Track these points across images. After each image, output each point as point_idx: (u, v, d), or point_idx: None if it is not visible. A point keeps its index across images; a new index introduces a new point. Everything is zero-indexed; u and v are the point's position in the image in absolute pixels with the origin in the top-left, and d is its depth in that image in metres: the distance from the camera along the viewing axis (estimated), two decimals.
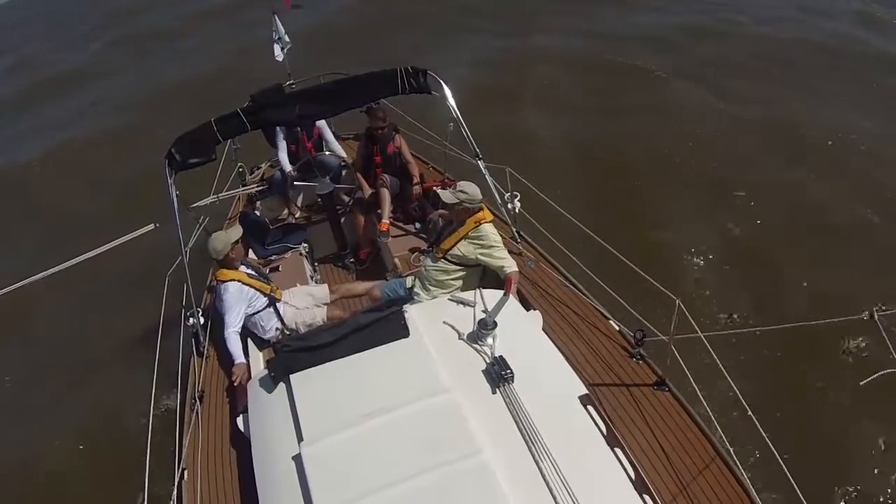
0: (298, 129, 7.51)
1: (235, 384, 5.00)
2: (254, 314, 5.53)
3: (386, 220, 6.79)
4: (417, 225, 7.07)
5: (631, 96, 12.84)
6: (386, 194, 6.87)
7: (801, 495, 3.34)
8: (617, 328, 4.88)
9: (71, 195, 12.65)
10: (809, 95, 12.38)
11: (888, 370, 3.11)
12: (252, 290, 5.48)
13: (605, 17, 17.39)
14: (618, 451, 3.60)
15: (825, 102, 12.06)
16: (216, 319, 5.63)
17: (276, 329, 5.64)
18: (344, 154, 7.80)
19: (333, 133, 7.93)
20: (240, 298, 5.37)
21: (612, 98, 12.79)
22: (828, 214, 8.81)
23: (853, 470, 5.78)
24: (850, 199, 9.16)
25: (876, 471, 5.78)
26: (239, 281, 5.42)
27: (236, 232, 5.65)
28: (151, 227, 5.64)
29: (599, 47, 15.22)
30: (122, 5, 26.21)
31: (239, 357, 5.20)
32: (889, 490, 5.65)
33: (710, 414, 4.07)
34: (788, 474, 3.47)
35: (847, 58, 13.93)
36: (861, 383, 3.23)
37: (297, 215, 7.70)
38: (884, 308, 3.18)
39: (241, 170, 8.16)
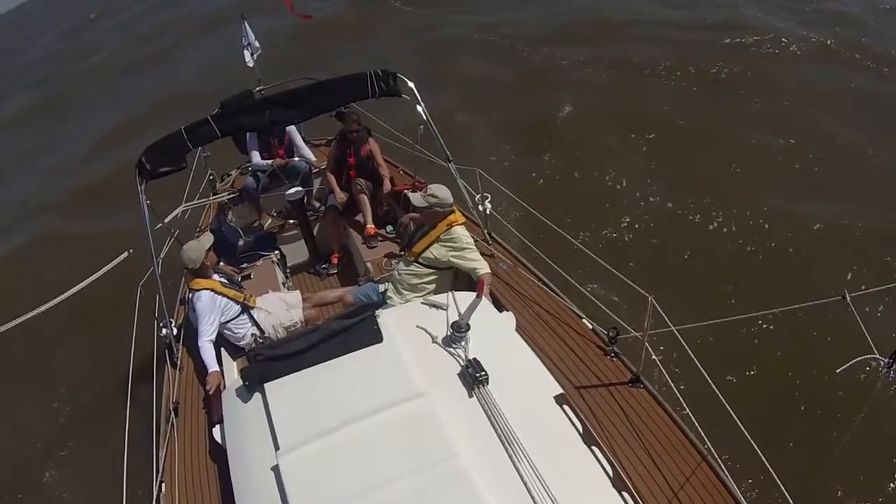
0: (270, 135, 7.47)
1: (210, 394, 4.95)
2: (227, 322, 5.49)
3: (371, 225, 6.80)
4: (389, 229, 7.06)
5: (596, 89, 12.94)
6: (365, 200, 6.89)
7: (781, 486, 3.38)
8: (590, 326, 4.89)
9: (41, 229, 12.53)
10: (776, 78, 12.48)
11: (863, 356, 3.14)
12: (225, 298, 5.46)
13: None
14: (595, 449, 3.61)
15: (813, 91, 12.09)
16: (190, 330, 5.58)
17: (251, 336, 5.60)
18: (314, 159, 7.78)
19: (304, 138, 7.90)
20: (213, 307, 5.34)
21: (573, 95, 12.88)
22: (799, 201, 8.88)
23: (833, 457, 5.81)
24: (824, 184, 9.25)
25: (860, 461, 5.75)
26: (212, 290, 5.39)
27: (207, 239, 5.62)
28: (126, 254, 5.57)
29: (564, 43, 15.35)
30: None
31: (213, 366, 5.16)
32: (874, 480, 5.65)
33: (687, 408, 4.10)
34: (767, 464, 3.49)
35: None
36: (837, 371, 3.27)
37: (268, 222, 7.66)
38: (861, 288, 3.21)
39: (211, 177, 8.12)
